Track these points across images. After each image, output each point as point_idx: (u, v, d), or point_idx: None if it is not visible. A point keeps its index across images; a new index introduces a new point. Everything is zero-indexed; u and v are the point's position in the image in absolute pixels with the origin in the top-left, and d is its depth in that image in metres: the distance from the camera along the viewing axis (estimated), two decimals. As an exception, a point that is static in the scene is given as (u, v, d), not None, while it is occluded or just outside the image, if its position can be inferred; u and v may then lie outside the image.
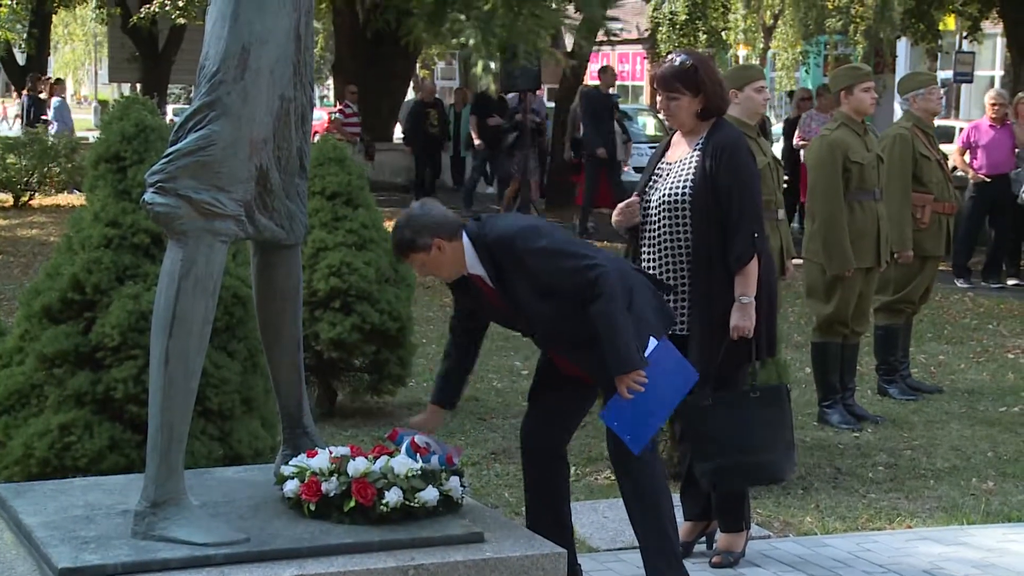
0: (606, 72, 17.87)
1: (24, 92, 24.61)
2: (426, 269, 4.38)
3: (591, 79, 32.34)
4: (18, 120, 22.63)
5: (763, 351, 5.06)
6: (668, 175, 5.05)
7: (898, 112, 10.65)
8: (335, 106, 24.59)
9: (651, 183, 5.10)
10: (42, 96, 24.42)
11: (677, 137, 5.15)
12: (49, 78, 27.17)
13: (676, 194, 4.96)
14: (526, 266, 4.31)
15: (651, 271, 4.97)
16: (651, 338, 4.43)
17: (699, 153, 4.98)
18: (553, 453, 4.71)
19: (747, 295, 4.88)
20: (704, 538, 5.30)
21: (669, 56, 5.11)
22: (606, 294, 4.28)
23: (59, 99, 24.21)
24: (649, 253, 5.05)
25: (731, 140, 5.00)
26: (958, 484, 6.38)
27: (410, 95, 29.59)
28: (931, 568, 5.15)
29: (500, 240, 4.32)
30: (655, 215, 5.02)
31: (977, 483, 6.40)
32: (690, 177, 4.96)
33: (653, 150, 5.54)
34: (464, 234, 4.33)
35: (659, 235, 5.00)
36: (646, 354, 4.37)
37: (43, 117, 23.40)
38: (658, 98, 5.11)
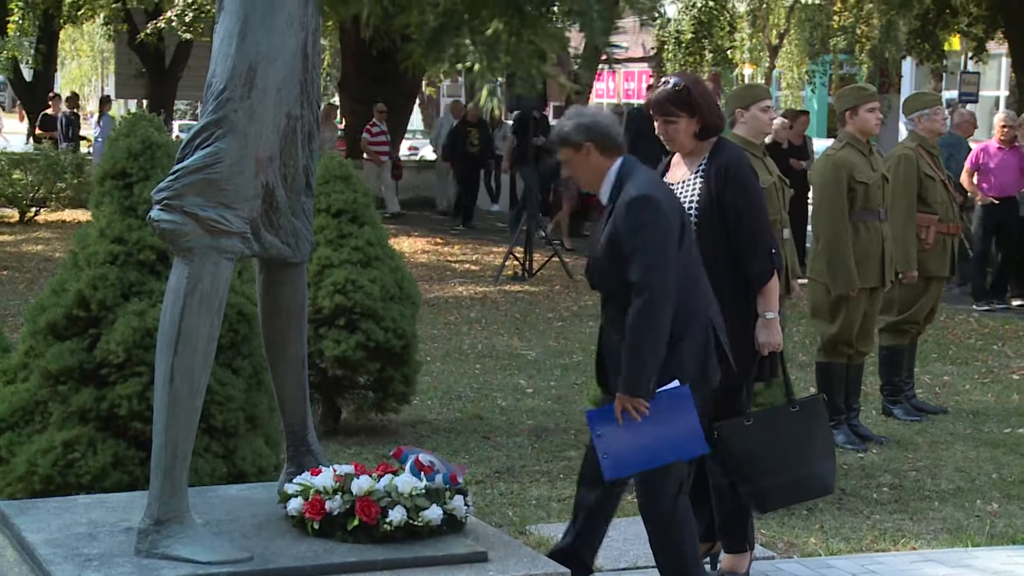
0: (652, 90, 17.81)
1: (62, 110, 24.64)
2: (569, 167, 4.63)
3: (596, 97, 32.36)
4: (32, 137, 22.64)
5: (772, 370, 5.07)
6: (676, 191, 5.02)
7: (903, 132, 10.72)
8: (341, 123, 24.68)
9: None
10: (49, 112, 24.46)
11: (676, 159, 5.15)
12: (76, 95, 27.28)
13: (697, 211, 4.95)
14: (619, 222, 4.47)
15: None
16: (676, 381, 4.43)
17: (702, 174, 4.99)
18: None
19: (771, 311, 4.95)
20: (708, 559, 5.28)
21: (662, 81, 5.11)
22: (644, 312, 4.35)
23: (107, 116, 24.28)
24: None
25: (735, 159, 5.01)
26: (963, 506, 6.37)
27: (416, 114, 29.67)
28: (936, 590, 5.14)
29: (629, 189, 4.50)
30: None
31: (982, 505, 6.38)
32: (696, 198, 4.96)
33: None
34: (619, 160, 4.57)
35: None
36: (662, 390, 4.38)
37: (80, 134, 23.64)
38: (656, 123, 5.10)
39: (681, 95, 4.95)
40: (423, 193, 23.53)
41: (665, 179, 5.09)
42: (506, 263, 14.80)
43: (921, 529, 6.00)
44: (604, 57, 16.11)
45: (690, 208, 4.93)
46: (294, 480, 3.96)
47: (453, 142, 21.11)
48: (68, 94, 27.43)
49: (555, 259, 14.85)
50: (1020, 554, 5.62)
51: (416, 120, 35.62)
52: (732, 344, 4.79)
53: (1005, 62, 25.65)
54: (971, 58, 23.48)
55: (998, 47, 23.20)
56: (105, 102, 26.30)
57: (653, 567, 5.24)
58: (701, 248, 4.84)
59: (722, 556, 5.21)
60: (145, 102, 24.91)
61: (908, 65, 29.47)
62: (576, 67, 20.58)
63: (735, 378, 4.88)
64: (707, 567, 5.26)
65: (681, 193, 4.99)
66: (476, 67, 2.29)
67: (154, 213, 3.74)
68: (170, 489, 3.67)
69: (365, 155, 21.51)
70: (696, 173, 5.01)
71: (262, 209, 3.85)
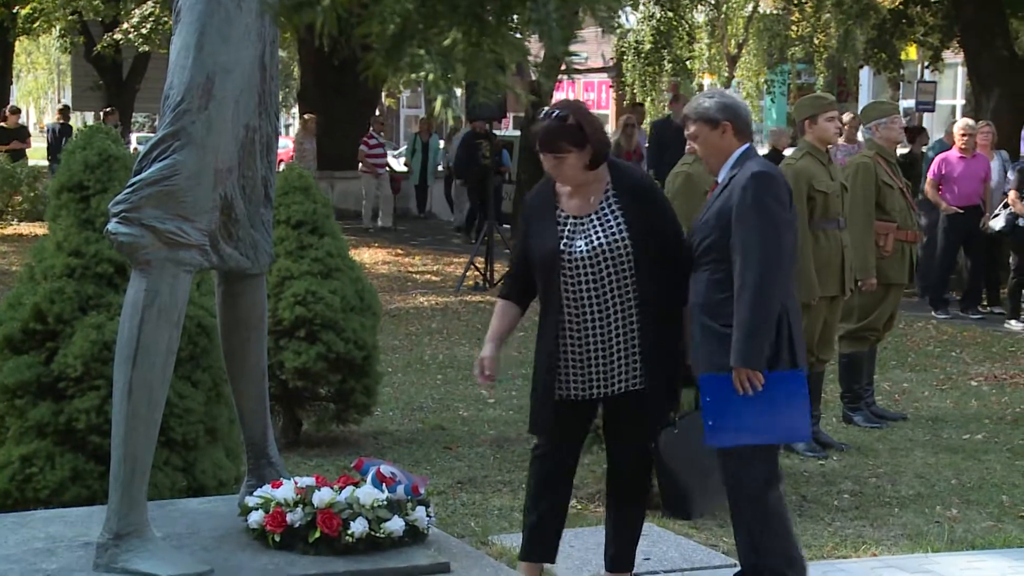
0: (677, 100, 17.79)
1: (57, 120, 24.36)
2: (697, 142, 4.74)
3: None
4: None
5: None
6: (584, 227, 4.69)
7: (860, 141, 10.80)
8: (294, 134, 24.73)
9: (566, 238, 4.70)
10: (4, 125, 24.23)
11: (563, 188, 4.76)
12: (67, 107, 26.87)
13: (611, 244, 4.66)
14: (740, 193, 4.55)
15: (588, 325, 4.70)
16: (799, 369, 4.56)
17: (616, 201, 4.70)
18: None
19: None
20: None
21: (544, 113, 4.75)
22: (758, 285, 4.43)
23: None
24: (581, 308, 4.70)
25: (646, 181, 4.89)
26: (922, 512, 6.42)
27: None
28: (896, 596, 5.18)
29: (751, 166, 4.62)
30: (581, 267, 4.67)
31: (941, 511, 6.43)
32: (621, 224, 4.68)
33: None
34: (745, 146, 4.71)
35: (591, 287, 4.67)
36: (780, 372, 4.50)
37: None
38: (541, 157, 4.71)
39: (571, 129, 4.61)
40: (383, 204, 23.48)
41: (564, 213, 4.74)
42: (467, 273, 14.81)
43: (882, 535, 6.03)
44: (563, 67, 16.10)
45: (619, 234, 4.66)
46: (255, 493, 3.95)
47: (468, 155, 20.59)
48: (61, 106, 27.05)
49: (516, 269, 14.86)
50: (980, 559, 5.66)
51: (376, 131, 35.50)
52: (670, 364, 4.74)
53: (961, 71, 25.92)
54: (927, 67, 23.73)
55: (954, 56, 23.43)
56: (110, 114, 25.82)
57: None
58: (638, 275, 4.67)
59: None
60: (102, 114, 24.71)
61: (866, 74, 29.72)
62: (536, 77, 20.65)
63: (671, 399, 4.81)
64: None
65: (600, 225, 4.69)
66: (431, 76, 2.28)
67: (111, 226, 3.72)
68: (129, 503, 3.65)
69: (362, 167, 21.46)
70: (606, 202, 4.71)
71: (221, 221, 3.84)
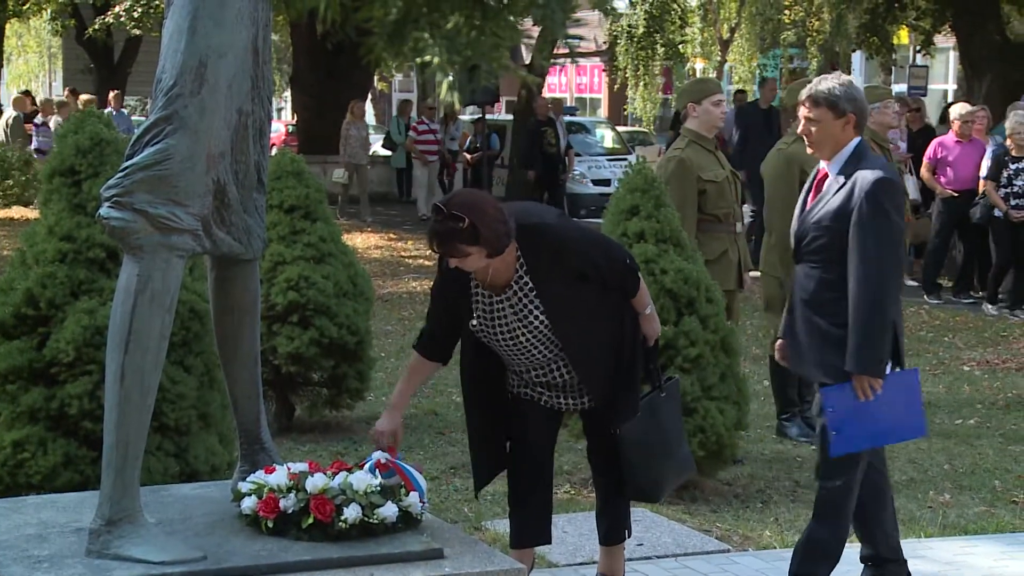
0: (765, 84, 17.24)
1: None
2: (815, 126, 4.74)
3: (549, 92, 32.34)
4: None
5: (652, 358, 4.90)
6: (502, 306, 4.52)
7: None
8: (293, 118, 24.54)
9: (484, 315, 4.55)
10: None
11: (473, 268, 4.44)
12: (75, 91, 26.62)
13: (528, 326, 4.51)
14: (861, 197, 4.57)
15: (525, 378, 4.68)
16: (902, 369, 4.64)
17: (526, 272, 4.47)
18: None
19: (650, 306, 4.73)
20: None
21: (436, 210, 4.33)
22: (876, 290, 4.48)
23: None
24: (521, 364, 4.64)
25: (551, 237, 4.49)
26: (915, 497, 6.42)
27: (369, 109, 29.52)
28: (889, 581, 5.17)
29: (872, 169, 4.65)
30: (504, 342, 4.56)
31: (934, 496, 6.44)
32: (535, 302, 4.49)
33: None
34: (858, 139, 4.73)
35: (520, 357, 4.60)
36: (895, 373, 4.57)
37: None
38: (440, 256, 4.46)
39: (466, 232, 4.26)
40: (376, 188, 23.45)
41: (480, 289, 4.54)
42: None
43: (874, 520, 6.03)
44: (564, 50, 16.06)
45: (536, 316, 4.48)
46: (248, 478, 3.93)
47: (531, 144, 19.74)
48: (67, 90, 26.82)
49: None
50: (972, 544, 5.67)
51: (368, 115, 35.48)
52: (636, 353, 4.71)
53: (952, 55, 25.92)
54: (919, 52, 23.71)
55: (945, 41, 23.43)
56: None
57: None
58: (578, 320, 4.54)
59: (600, 552, 5.02)
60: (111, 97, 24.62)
61: (858, 59, 29.71)
62: (533, 59, 20.58)
63: (633, 408, 4.76)
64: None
65: (514, 305, 4.50)
66: (435, 60, 2.27)
67: (103, 211, 3.70)
68: (122, 489, 3.63)
69: (412, 154, 20.97)
70: (519, 278, 4.48)
71: (213, 206, 3.81)
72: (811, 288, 4.71)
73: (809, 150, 4.89)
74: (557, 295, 4.50)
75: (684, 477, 5.14)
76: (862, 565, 5.06)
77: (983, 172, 12.28)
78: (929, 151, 13.04)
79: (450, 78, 2.32)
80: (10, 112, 22.29)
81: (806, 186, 4.90)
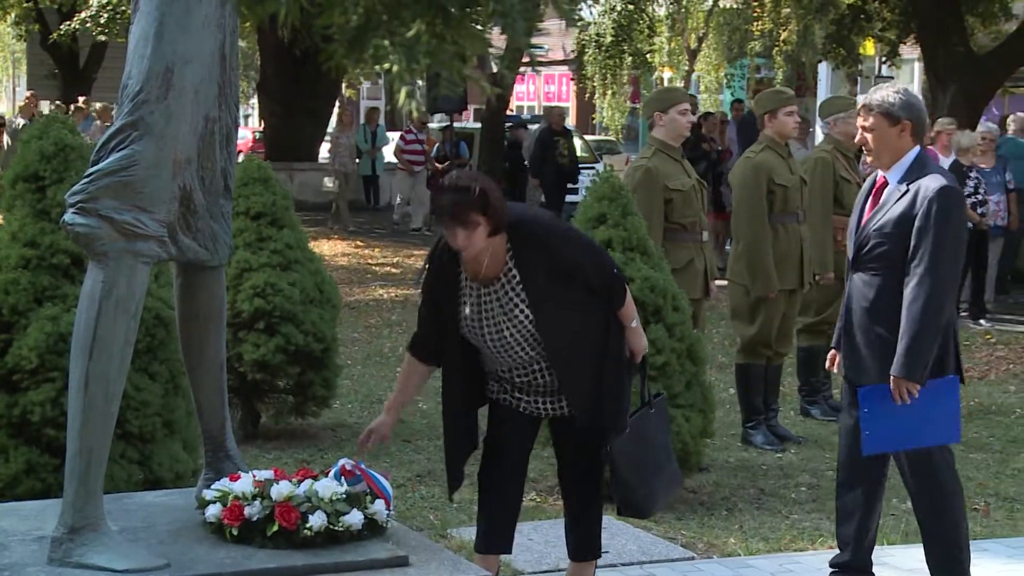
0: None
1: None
2: (871, 134, 4.77)
3: (517, 100, 32.29)
4: None
5: (641, 372, 4.85)
6: (488, 297, 4.52)
7: (819, 135, 10.80)
8: (260, 125, 24.43)
9: (471, 307, 4.56)
10: None
11: (467, 258, 4.51)
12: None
13: (513, 317, 4.50)
14: (923, 206, 4.64)
15: (504, 379, 4.67)
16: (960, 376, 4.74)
17: (515, 263, 4.49)
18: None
19: (635, 319, 4.71)
20: None
21: (445, 184, 4.50)
22: (931, 299, 4.54)
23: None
24: (494, 367, 4.65)
25: (542, 230, 4.56)
26: (879, 504, 6.44)
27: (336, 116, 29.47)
28: (853, 588, 5.20)
29: (936, 178, 4.72)
30: (488, 337, 4.55)
31: (897, 503, 6.47)
32: (521, 295, 4.49)
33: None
34: (918, 148, 4.77)
35: (501, 353, 4.58)
36: (935, 379, 4.63)
37: None
38: (452, 237, 4.43)
39: (479, 199, 4.36)
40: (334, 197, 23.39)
41: (467, 281, 4.57)
42: (427, 265, 14.76)
43: (838, 528, 6.06)
44: (527, 59, 16.02)
45: (532, 302, 4.48)
46: (212, 486, 3.92)
47: (543, 154, 18.98)
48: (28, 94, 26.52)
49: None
50: (935, 551, 5.70)
51: (335, 122, 35.45)
52: (619, 364, 4.67)
53: (918, 66, 26.10)
54: (885, 62, 23.87)
55: (911, 52, 23.60)
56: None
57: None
58: (562, 319, 4.53)
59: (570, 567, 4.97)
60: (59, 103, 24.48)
61: (824, 69, 29.87)
62: (498, 69, 20.59)
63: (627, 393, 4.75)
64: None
65: (502, 296, 4.51)
66: (395, 68, 2.26)
67: (68, 217, 3.68)
68: (84, 496, 3.61)
69: (398, 163, 20.55)
70: (507, 268, 4.50)
71: (179, 212, 3.80)
72: (871, 296, 4.76)
73: (868, 159, 4.93)
74: (542, 290, 4.50)
75: (674, 493, 5.18)
76: (830, 569, 5.08)
77: None
78: None
79: (410, 86, 2.31)
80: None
81: (861, 194, 4.94)
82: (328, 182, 20.29)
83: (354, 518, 3.79)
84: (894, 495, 6.59)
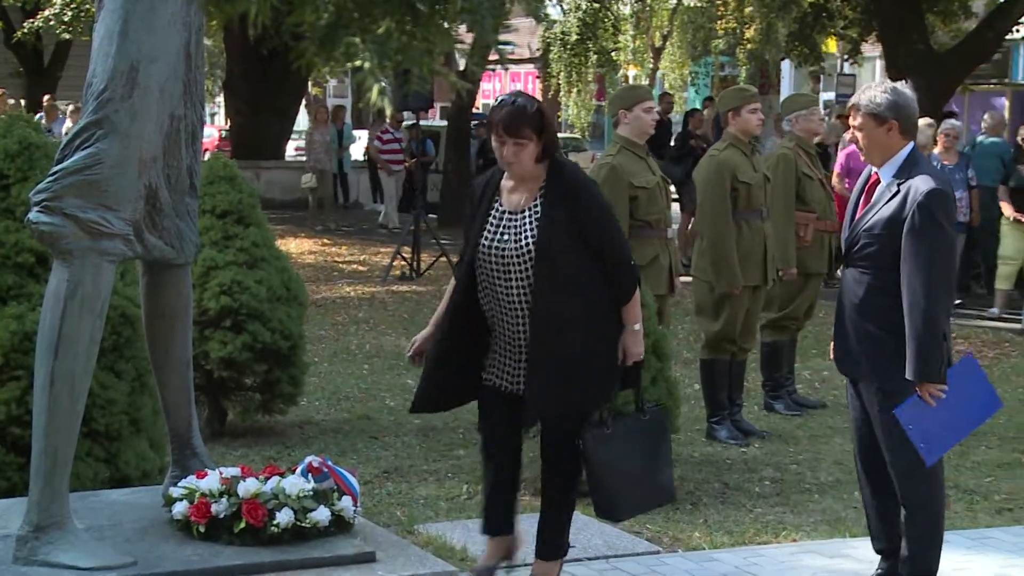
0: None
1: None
2: (861, 135, 4.82)
3: (483, 98, 32.34)
4: None
5: (635, 379, 4.87)
6: (510, 225, 4.69)
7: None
8: (227, 123, 24.30)
9: (495, 233, 4.72)
10: None
11: (507, 182, 4.76)
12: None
13: (518, 249, 4.64)
14: (914, 206, 4.66)
15: (508, 326, 4.71)
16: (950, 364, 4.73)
17: (544, 198, 4.67)
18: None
19: (638, 323, 4.76)
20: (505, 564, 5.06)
21: (503, 98, 4.73)
22: (930, 298, 4.58)
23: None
24: (506, 307, 4.70)
25: (581, 179, 4.77)
26: (841, 497, 6.50)
27: (303, 114, 29.38)
28: (816, 580, 5.24)
29: (927, 179, 4.72)
30: (512, 267, 4.67)
31: (859, 496, 6.50)
32: (544, 223, 4.64)
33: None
34: (911, 145, 4.81)
35: (520, 288, 4.67)
36: (952, 368, 4.68)
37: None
38: (494, 141, 4.67)
39: (534, 116, 4.62)
40: (310, 194, 23.29)
41: (501, 208, 4.75)
42: (393, 263, 14.76)
43: (801, 521, 6.11)
44: (495, 56, 15.99)
45: (539, 238, 4.62)
46: (179, 483, 3.91)
47: None
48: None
49: (443, 259, 14.85)
50: (896, 543, 5.74)
51: (303, 121, 35.34)
52: (599, 356, 4.70)
53: (879, 64, 26.24)
54: (847, 60, 24.02)
55: (872, 50, 23.73)
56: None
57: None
58: (559, 269, 4.62)
59: (534, 562, 4.99)
60: (23, 102, 24.29)
61: (787, 67, 30.01)
62: (466, 67, 20.52)
63: (604, 397, 4.76)
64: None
65: (529, 221, 4.66)
66: (366, 65, 2.26)
67: (33, 215, 3.66)
68: (50, 495, 3.60)
69: (377, 163, 20.36)
70: (535, 203, 4.68)
71: (145, 210, 3.79)
72: (860, 293, 4.81)
73: (861, 158, 4.97)
74: (555, 228, 4.62)
75: (657, 506, 5.20)
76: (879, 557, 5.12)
77: None
78: (840, 160, 13.17)
79: (381, 83, 2.32)
80: None
81: (855, 191, 4.98)
82: (305, 179, 20.17)
83: (321, 515, 3.79)
84: (855, 488, 6.63)
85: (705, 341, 7.75)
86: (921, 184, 4.68)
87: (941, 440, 4.75)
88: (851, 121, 4.90)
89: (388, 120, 20.73)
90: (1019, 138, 12.25)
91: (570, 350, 4.65)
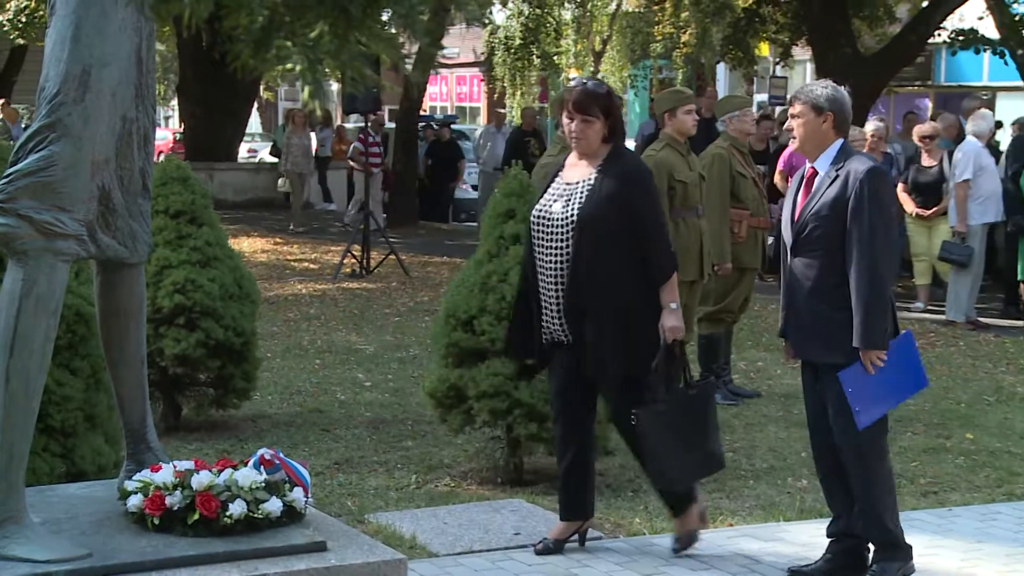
0: (703, 93, 17.78)
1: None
2: (799, 124, 4.95)
3: (430, 101, 32.19)
4: None
5: (678, 357, 5.17)
6: (563, 195, 5.10)
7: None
8: (180, 126, 24.08)
9: (550, 201, 5.14)
10: None
11: (572, 159, 5.19)
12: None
13: (566, 215, 5.04)
14: (854, 187, 4.80)
15: (549, 285, 5.08)
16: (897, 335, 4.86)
17: (599, 176, 5.05)
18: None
19: (675, 302, 5.05)
20: (577, 536, 5.34)
21: (576, 80, 5.18)
22: (874, 270, 4.69)
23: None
24: (551, 265, 5.09)
25: (636, 163, 5.18)
26: (775, 483, 6.55)
27: (255, 117, 29.20)
28: (749, 564, 5.28)
29: (861, 162, 4.88)
30: (557, 232, 5.06)
31: (792, 482, 6.57)
32: (592, 198, 5.03)
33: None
34: (841, 141, 4.94)
35: (565, 250, 5.05)
36: (894, 341, 4.79)
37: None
38: (564, 119, 5.10)
39: (604, 98, 5.05)
40: (261, 194, 23.23)
41: (562, 178, 5.17)
42: (344, 261, 14.71)
43: (737, 506, 6.15)
44: (426, 59, 15.98)
45: (583, 208, 5.01)
46: (134, 477, 3.88)
47: (514, 153, 18.18)
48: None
49: (391, 257, 14.81)
50: (826, 526, 5.79)
51: (255, 123, 35.13)
52: (641, 333, 4.98)
53: (810, 67, 26.46)
54: (779, 63, 24.18)
55: (803, 53, 23.93)
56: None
57: (488, 550, 5.30)
58: (600, 240, 4.98)
59: (674, 522, 5.34)
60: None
61: (722, 70, 30.19)
62: (409, 72, 20.46)
63: (642, 366, 5.01)
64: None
65: (580, 193, 5.05)
66: (298, 68, 2.26)
67: (-13, 216, 3.62)
68: (6, 489, 3.55)
69: (355, 164, 20.07)
70: (594, 174, 5.07)
71: (98, 211, 3.76)
72: (812, 276, 4.89)
73: (793, 146, 5.08)
74: (601, 202, 4.97)
75: (709, 473, 5.44)
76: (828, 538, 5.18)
77: None
78: (783, 159, 13.27)
79: (313, 84, 2.31)
80: None
81: (792, 187, 5.07)
82: (280, 183, 19.85)
83: (273, 506, 3.77)
84: (789, 474, 6.70)
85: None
86: (859, 165, 4.83)
87: (874, 406, 4.85)
88: (791, 111, 5.01)
89: (369, 123, 20.54)
90: (915, 137, 12.35)
91: (603, 318, 4.98)
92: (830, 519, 5.19)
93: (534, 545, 5.29)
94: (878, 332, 4.77)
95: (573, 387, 5.18)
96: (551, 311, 5.11)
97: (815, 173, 4.95)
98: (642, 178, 5.12)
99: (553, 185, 5.18)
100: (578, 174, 5.12)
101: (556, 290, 5.08)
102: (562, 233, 5.06)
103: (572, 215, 5.03)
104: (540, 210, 5.15)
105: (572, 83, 5.18)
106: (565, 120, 5.10)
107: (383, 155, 20.22)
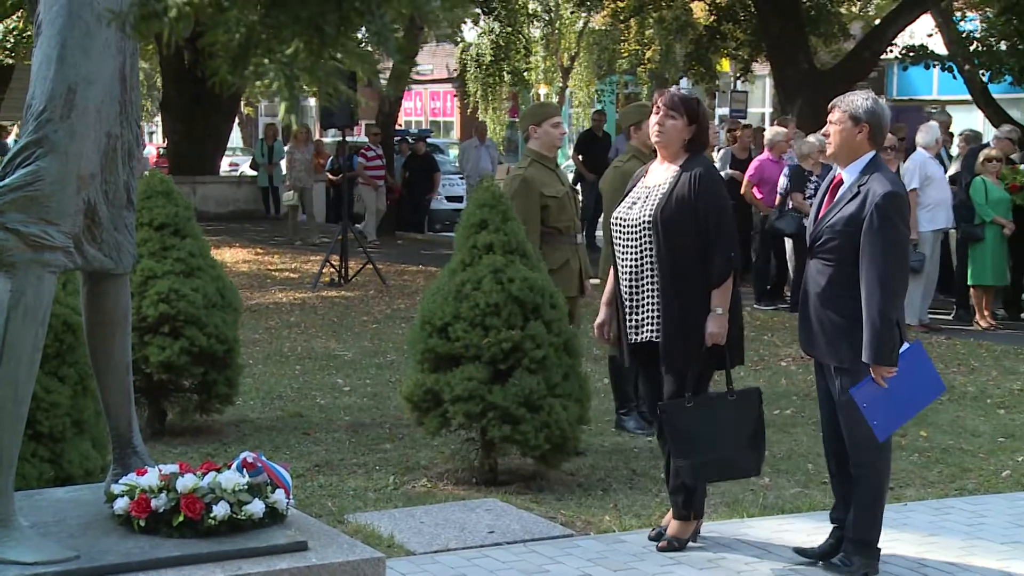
0: (598, 114, 18.01)
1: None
2: (835, 132, 4.96)
3: (405, 116, 32.17)
4: None
5: (735, 357, 5.29)
6: (643, 197, 5.23)
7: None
8: (164, 142, 23.99)
9: (628, 204, 5.26)
10: None
11: (655, 165, 5.32)
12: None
13: (643, 218, 5.15)
14: (874, 205, 4.82)
15: (627, 283, 5.20)
16: (904, 342, 4.84)
17: (675, 179, 5.15)
18: None
19: (722, 307, 5.09)
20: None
21: (675, 87, 5.38)
22: (886, 288, 4.71)
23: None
24: (628, 266, 5.21)
25: (709, 170, 5.24)
26: (739, 481, 6.55)
27: (236, 132, 29.11)
28: (715, 557, 5.29)
29: (884, 181, 4.89)
30: (636, 232, 5.18)
31: (755, 479, 6.58)
32: (667, 201, 5.13)
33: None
34: (873, 152, 4.98)
35: (640, 251, 5.16)
36: (902, 351, 4.78)
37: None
38: (655, 116, 5.23)
39: (691, 102, 5.21)
40: (243, 206, 23.17)
41: (644, 182, 5.29)
42: (323, 270, 14.67)
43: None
44: (398, 75, 15.93)
45: (656, 210, 5.11)
46: (120, 480, 3.85)
47: (586, 152, 18.16)
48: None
49: (369, 266, 14.79)
50: (788, 522, 5.82)
51: (236, 138, 35.02)
52: (689, 332, 5.06)
53: (769, 82, 26.61)
54: (739, 78, 24.31)
55: (762, 68, 24.06)
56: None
57: (464, 548, 5.29)
58: (673, 245, 5.08)
59: (670, 522, 5.35)
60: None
61: (685, 85, 30.29)
62: (384, 88, 20.50)
63: (684, 361, 5.11)
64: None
65: (655, 196, 5.16)
66: (275, 84, 2.26)
67: (-24, 230, 3.59)
68: (-4, 494, 3.52)
69: (360, 179, 19.79)
70: (666, 183, 5.18)
71: (84, 224, 3.73)
72: (822, 283, 4.93)
73: (829, 151, 5.08)
74: (675, 206, 5.09)
75: (721, 478, 5.53)
76: (831, 524, 5.21)
77: (781, 188, 12.54)
78: (751, 170, 13.33)
79: (289, 101, 2.31)
80: None
81: (821, 190, 5.10)
82: (287, 197, 19.62)
83: (256, 507, 3.75)
84: (752, 471, 6.71)
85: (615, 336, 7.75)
86: (878, 187, 4.84)
87: (892, 418, 4.87)
88: (830, 117, 5.03)
89: (370, 139, 20.46)
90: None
91: (665, 313, 5.10)
92: (831, 507, 5.27)
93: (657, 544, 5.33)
94: (886, 349, 4.78)
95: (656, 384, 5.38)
96: (641, 314, 5.21)
97: (841, 181, 5.00)
98: (714, 184, 5.20)
99: (635, 189, 5.31)
100: (657, 178, 5.26)
101: (631, 289, 5.20)
102: (636, 234, 5.17)
103: (646, 217, 5.13)
104: (619, 212, 5.27)
105: (669, 91, 5.33)
106: (652, 118, 5.25)
107: (385, 168, 20.23)
